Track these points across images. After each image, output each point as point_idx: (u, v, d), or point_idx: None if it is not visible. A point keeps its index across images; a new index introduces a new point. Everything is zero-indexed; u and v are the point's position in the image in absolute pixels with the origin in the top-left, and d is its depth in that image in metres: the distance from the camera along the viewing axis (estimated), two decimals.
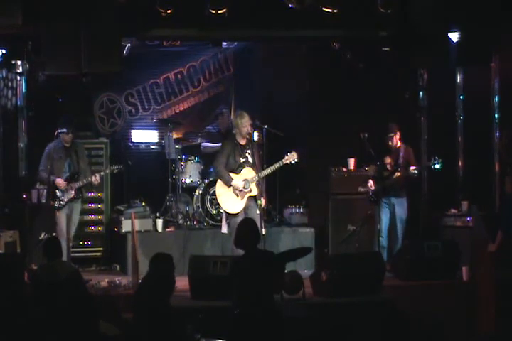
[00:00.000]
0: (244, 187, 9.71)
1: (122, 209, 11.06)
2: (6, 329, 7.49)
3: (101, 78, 11.10)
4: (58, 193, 9.93)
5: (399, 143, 10.44)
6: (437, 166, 10.05)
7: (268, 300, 6.87)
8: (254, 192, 9.72)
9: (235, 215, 9.73)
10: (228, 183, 9.76)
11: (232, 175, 9.79)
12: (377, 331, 8.23)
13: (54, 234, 9.89)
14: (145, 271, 7.03)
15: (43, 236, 10.22)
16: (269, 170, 9.84)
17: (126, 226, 10.51)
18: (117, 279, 9.59)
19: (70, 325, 7.10)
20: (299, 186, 12.08)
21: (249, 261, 6.98)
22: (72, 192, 9.98)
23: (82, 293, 7.42)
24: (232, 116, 11.78)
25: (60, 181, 9.93)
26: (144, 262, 8.41)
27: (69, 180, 9.98)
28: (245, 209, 9.75)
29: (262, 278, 6.86)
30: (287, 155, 9.79)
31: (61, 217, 9.97)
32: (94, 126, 12.04)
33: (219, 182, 9.94)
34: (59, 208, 9.95)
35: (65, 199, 9.96)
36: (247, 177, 9.76)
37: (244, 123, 9.79)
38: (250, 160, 9.84)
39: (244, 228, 7.19)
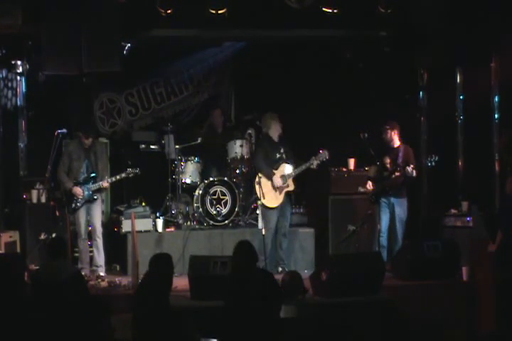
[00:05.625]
0: (283, 184, 10.00)
1: (122, 209, 11.05)
2: (6, 329, 7.49)
3: (101, 78, 11.11)
4: (74, 196, 9.91)
5: (398, 143, 10.42)
6: (434, 163, 10.06)
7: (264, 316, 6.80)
8: (291, 187, 10.02)
9: (271, 209, 10.05)
10: (270, 176, 10.02)
11: None
12: (377, 331, 8.22)
13: (55, 234, 9.90)
14: (145, 271, 7.03)
15: (43, 236, 10.22)
16: (303, 167, 10.10)
17: (126, 226, 10.51)
18: (117, 279, 9.60)
19: (70, 326, 7.11)
20: (299, 186, 12.06)
21: (247, 282, 6.89)
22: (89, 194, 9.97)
23: (83, 294, 7.42)
24: (231, 114, 11.85)
25: (77, 190, 9.89)
26: (144, 262, 8.39)
27: (86, 182, 9.95)
28: (281, 204, 10.05)
29: (260, 300, 6.80)
30: (319, 152, 10.04)
31: (78, 218, 10.00)
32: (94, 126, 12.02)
33: (260, 175, 10.10)
34: (74, 210, 9.96)
35: (82, 202, 9.94)
36: (284, 173, 9.95)
37: (277, 122, 10.22)
38: (285, 156, 10.14)
39: (240, 251, 7.09)
